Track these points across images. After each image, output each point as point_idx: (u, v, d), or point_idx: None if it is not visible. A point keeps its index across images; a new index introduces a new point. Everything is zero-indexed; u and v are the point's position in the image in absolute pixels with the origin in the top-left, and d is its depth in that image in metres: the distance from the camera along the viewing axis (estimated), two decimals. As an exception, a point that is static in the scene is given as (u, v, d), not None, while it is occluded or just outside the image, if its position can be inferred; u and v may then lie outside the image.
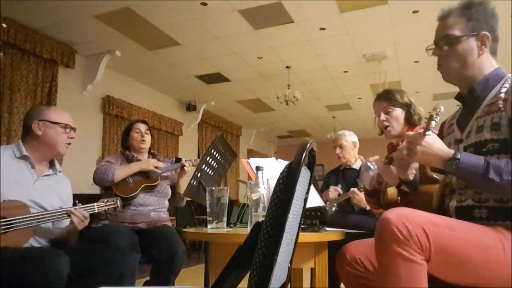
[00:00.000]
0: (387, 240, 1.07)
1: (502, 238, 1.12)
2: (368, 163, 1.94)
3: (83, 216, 1.78)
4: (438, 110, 1.14)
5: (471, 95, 1.32)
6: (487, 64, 1.32)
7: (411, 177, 1.48)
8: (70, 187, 2.04)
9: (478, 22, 1.30)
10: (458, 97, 1.40)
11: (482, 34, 1.30)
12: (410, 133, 1.24)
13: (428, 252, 1.06)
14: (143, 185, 2.44)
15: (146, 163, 2.47)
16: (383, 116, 1.98)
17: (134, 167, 2.45)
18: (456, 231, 1.10)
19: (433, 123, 1.16)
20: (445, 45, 1.31)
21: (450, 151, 1.18)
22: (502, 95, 1.22)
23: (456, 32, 1.30)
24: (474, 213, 1.22)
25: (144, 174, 2.48)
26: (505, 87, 1.24)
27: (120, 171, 2.39)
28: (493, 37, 1.31)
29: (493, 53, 1.34)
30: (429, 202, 1.41)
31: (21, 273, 1.45)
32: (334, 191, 2.79)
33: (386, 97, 2.00)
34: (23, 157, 1.81)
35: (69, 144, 1.92)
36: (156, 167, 2.46)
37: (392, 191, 1.78)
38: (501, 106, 1.20)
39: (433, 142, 1.19)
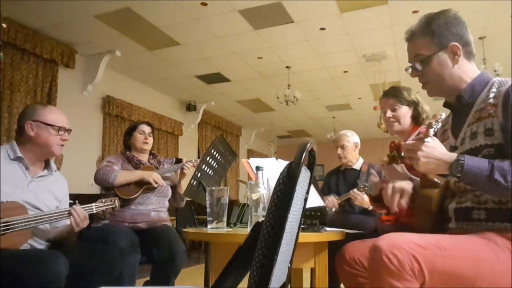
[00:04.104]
0: (379, 271, 1.07)
1: (494, 247, 1.11)
2: (376, 182, 1.89)
3: (83, 216, 1.77)
4: (438, 118, 1.14)
5: (459, 102, 1.33)
6: (466, 69, 1.32)
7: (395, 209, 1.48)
8: (67, 187, 2.01)
9: (443, 35, 1.30)
10: (446, 105, 1.41)
11: (450, 45, 1.29)
12: (409, 142, 1.23)
13: (422, 277, 1.06)
14: (144, 187, 2.44)
15: (149, 174, 2.46)
16: (389, 113, 1.96)
17: (136, 175, 2.45)
18: (447, 250, 1.09)
19: (431, 130, 1.16)
20: (419, 66, 1.34)
21: (453, 154, 1.17)
22: (491, 100, 1.22)
23: (425, 51, 1.32)
24: (472, 215, 1.22)
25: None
26: (493, 91, 1.24)
27: (122, 177, 2.40)
28: (463, 42, 1.30)
29: (469, 56, 1.33)
30: (429, 205, 1.41)
31: (20, 274, 1.44)
32: (331, 202, 2.77)
33: (394, 94, 1.97)
34: (17, 159, 1.77)
35: (63, 145, 1.87)
36: (156, 182, 2.45)
37: None
38: (491, 111, 1.20)
39: (434, 147, 1.18)
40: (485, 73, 1.33)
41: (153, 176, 2.45)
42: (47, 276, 1.43)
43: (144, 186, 2.44)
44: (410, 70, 1.39)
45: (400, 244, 1.07)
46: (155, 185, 2.46)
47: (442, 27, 1.30)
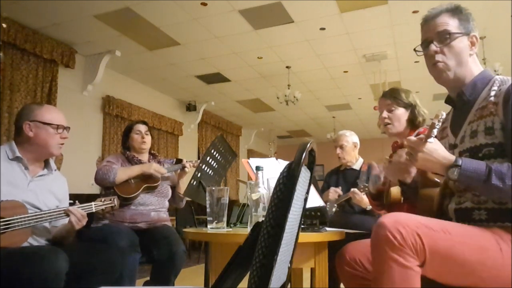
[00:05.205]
0: (382, 245, 1.08)
1: (498, 239, 1.12)
2: (378, 176, 1.89)
3: (81, 215, 1.76)
4: (440, 117, 1.13)
5: (461, 99, 1.32)
6: (475, 66, 1.33)
7: (408, 180, 1.48)
8: (66, 186, 2.01)
9: (469, 23, 1.32)
10: (448, 100, 1.40)
11: (472, 35, 1.32)
12: (412, 138, 1.22)
13: (423, 256, 1.06)
14: (144, 186, 2.44)
15: (148, 166, 2.46)
16: (385, 114, 1.96)
17: (136, 170, 2.44)
18: (451, 234, 1.10)
19: (434, 131, 1.15)
20: (441, 41, 1.30)
21: (452, 158, 1.16)
22: (492, 98, 1.22)
23: (452, 29, 1.30)
24: (473, 215, 1.22)
25: (145, 175, 2.48)
26: (494, 89, 1.24)
27: (122, 173, 2.39)
28: (476, 39, 1.33)
29: (475, 53, 1.35)
30: (430, 205, 1.41)
31: (20, 272, 1.44)
32: (334, 192, 2.77)
33: (391, 95, 1.97)
34: (16, 159, 1.77)
35: (62, 144, 1.86)
36: (157, 172, 2.45)
37: (395, 190, 1.77)
38: (492, 110, 1.20)
39: (435, 149, 1.18)
40: (487, 71, 1.33)
41: (153, 167, 2.45)
42: (48, 273, 1.43)
43: (145, 184, 2.44)
44: (422, 49, 1.35)
45: (405, 221, 1.08)
46: (158, 175, 2.46)
47: (468, 16, 1.33)
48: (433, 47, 1.31)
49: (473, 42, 1.31)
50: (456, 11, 1.32)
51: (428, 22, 1.35)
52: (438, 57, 1.31)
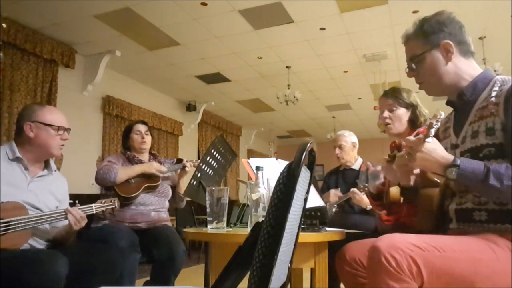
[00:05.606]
0: (378, 271, 1.07)
1: (493, 247, 1.11)
2: (377, 174, 1.89)
3: (80, 216, 1.76)
4: (438, 117, 1.13)
5: (461, 100, 1.32)
6: (464, 67, 1.32)
7: (409, 183, 1.48)
8: (67, 186, 2.01)
9: (434, 34, 1.31)
10: (449, 103, 1.40)
11: (442, 43, 1.30)
12: (411, 138, 1.22)
13: (421, 278, 1.06)
14: (144, 185, 2.44)
15: (149, 166, 2.46)
16: (386, 113, 1.94)
17: (137, 170, 2.44)
18: (445, 251, 1.10)
19: (432, 130, 1.15)
20: (413, 66, 1.36)
21: (450, 158, 1.17)
22: (493, 99, 1.21)
23: (418, 50, 1.34)
24: (473, 216, 1.22)
25: (146, 175, 2.48)
26: (495, 90, 1.23)
27: (123, 173, 2.39)
28: (457, 40, 1.31)
29: (466, 54, 1.33)
30: (430, 205, 1.41)
31: (20, 275, 1.44)
32: (334, 195, 2.77)
33: (393, 95, 1.95)
34: (16, 159, 1.76)
35: (63, 145, 1.86)
36: (158, 171, 2.46)
37: (394, 190, 1.77)
38: (493, 110, 1.19)
39: (434, 149, 1.18)
40: (488, 71, 1.32)
41: (154, 167, 2.45)
42: (47, 276, 1.43)
43: (146, 184, 2.44)
44: (407, 70, 1.40)
45: (398, 245, 1.07)
46: (159, 174, 2.46)
47: (434, 26, 1.32)
48: (409, 73, 1.39)
49: (447, 49, 1.30)
50: (419, 30, 1.34)
51: (404, 46, 1.41)
52: (418, 79, 1.39)
